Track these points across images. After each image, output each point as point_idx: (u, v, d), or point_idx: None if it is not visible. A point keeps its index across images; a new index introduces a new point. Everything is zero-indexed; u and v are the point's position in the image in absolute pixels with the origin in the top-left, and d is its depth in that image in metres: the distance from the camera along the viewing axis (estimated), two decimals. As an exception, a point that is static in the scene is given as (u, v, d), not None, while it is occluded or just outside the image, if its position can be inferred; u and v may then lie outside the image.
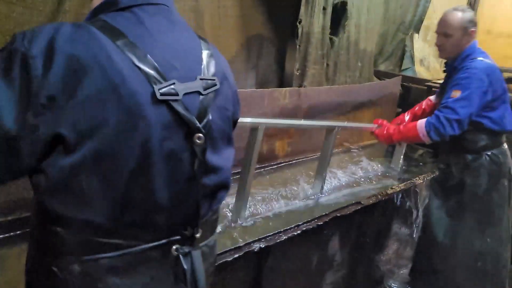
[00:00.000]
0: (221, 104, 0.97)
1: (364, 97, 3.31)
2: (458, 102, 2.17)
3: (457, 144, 2.32)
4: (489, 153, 2.30)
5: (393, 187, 2.53)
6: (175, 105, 0.85)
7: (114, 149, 0.80)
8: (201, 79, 0.91)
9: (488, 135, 2.29)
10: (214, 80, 0.94)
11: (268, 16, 2.85)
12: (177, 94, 0.85)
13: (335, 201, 2.56)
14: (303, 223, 1.95)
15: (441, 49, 2.35)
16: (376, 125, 2.59)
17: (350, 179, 2.74)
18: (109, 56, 0.79)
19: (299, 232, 1.91)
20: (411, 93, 3.78)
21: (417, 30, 4.32)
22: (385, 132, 2.48)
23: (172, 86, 0.85)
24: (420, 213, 2.66)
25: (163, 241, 0.91)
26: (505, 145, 2.37)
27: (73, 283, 0.85)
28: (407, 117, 2.74)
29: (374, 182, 2.86)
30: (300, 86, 2.94)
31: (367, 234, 2.49)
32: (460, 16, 2.23)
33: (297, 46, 2.82)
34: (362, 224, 2.42)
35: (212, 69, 0.96)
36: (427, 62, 4.89)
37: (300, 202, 2.30)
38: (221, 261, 1.61)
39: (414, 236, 2.75)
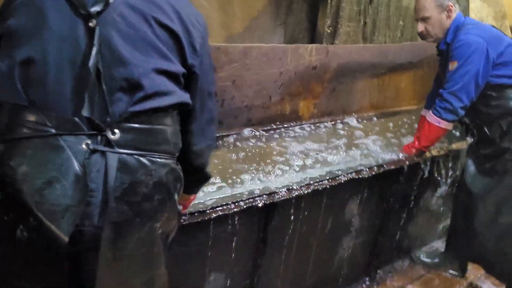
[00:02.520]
0: (139, 6, 1.01)
1: (403, 59, 3.08)
2: (456, 72, 2.07)
3: (488, 114, 2.16)
4: None
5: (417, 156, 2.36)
6: None
7: (12, 26, 0.96)
8: None
9: None
10: None
11: (298, -33, 2.70)
12: None
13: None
14: (314, 183, 1.87)
15: (425, 35, 2.25)
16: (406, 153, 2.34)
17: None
18: None
19: (309, 191, 1.84)
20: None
21: (473, -13, 3.92)
22: (416, 148, 2.27)
23: None
24: (449, 183, 2.48)
25: (75, 133, 0.95)
26: None
27: None
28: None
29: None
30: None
31: (391, 201, 2.36)
32: None
33: (329, 0, 2.65)
34: (385, 190, 2.29)
35: None
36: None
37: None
38: (220, 214, 1.58)
39: (445, 207, 2.58)
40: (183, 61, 1.08)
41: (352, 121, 2.85)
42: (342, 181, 1.97)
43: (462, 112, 2.10)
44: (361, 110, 3.00)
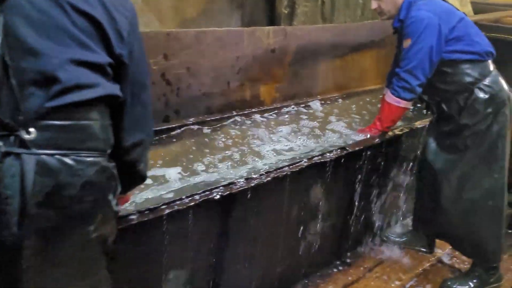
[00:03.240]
0: None
1: (365, 38, 3.04)
2: (410, 50, 2.03)
3: (445, 91, 2.12)
4: (480, 85, 2.06)
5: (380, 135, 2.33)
6: None
7: None
8: None
9: (470, 67, 2.07)
10: None
11: None
12: None
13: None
14: (274, 170, 1.81)
15: (380, 13, 2.23)
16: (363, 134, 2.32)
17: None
18: None
19: (269, 179, 1.77)
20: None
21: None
22: (376, 129, 2.25)
23: None
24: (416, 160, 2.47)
25: None
26: (495, 72, 2.12)
27: None
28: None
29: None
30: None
31: (357, 183, 2.33)
32: None
33: (284, -20, 2.57)
34: (350, 172, 2.25)
35: None
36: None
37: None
38: (173, 210, 1.50)
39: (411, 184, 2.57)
40: (109, 51, 0.98)
41: (316, 104, 2.80)
42: (304, 166, 1.92)
43: (419, 90, 2.07)
44: (325, 92, 2.94)
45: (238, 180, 1.68)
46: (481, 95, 2.05)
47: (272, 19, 2.77)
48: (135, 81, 1.05)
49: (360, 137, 2.27)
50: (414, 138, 2.54)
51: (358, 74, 3.13)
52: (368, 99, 3.06)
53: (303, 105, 2.75)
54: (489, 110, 2.06)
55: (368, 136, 2.25)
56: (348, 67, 3.03)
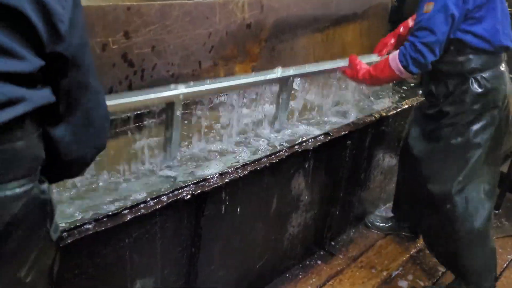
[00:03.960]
0: None
1: (347, 9, 2.83)
2: (433, 18, 1.73)
3: (437, 70, 1.87)
4: (478, 76, 1.82)
5: (365, 117, 2.17)
6: None
7: None
8: None
9: (476, 54, 1.81)
10: None
11: None
12: None
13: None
14: (250, 163, 1.63)
15: None
16: (347, 64, 2.09)
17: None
18: None
19: (245, 173, 1.59)
20: (405, 3, 3.26)
21: None
22: (356, 75, 2.03)
23: None
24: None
25: None
26: (502, 67, 1.88)
27: None
28: (392, 40, 2.21)
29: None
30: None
31: (340, 169, 2.17)
32: None
33: None
34: (333, 158, 2.09)
35: None
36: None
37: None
38: (137, 215, 1.31)
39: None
40: (39, 49, 0.73)
41: (297, 81, 2.61)
42: (285, 156, 1.75)
43: (430, 66, 1.81)
44: (306, 69, 2.74)
45: (211, 176, 1.50)
46: (474, 86, 1.82)
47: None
48: (73, 83, 0.81)
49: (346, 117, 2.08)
50: (402, 119, 2.39)
51: (341, 49, 2.94)
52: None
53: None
54: (476, 106, 1.84)
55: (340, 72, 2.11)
56: (330, 42, 2.83)
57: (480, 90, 1.82)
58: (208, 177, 1.48)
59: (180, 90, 1.73)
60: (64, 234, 1.17)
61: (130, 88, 1.90)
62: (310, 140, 1.85)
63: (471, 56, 1.81)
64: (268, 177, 1.74)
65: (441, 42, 1.76)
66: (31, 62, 0.72)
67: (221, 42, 2.15)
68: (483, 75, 1.82)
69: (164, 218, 1.40)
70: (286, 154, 1.75)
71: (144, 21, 1.85)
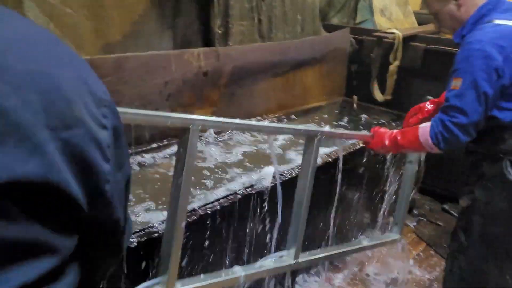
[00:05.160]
0: None
1: (305, 55, 2.96)
2: (463, 96, 1.54)
3: (468, 146, 1.71)
4: None
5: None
6: None
7: None
8: None
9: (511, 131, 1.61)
10: None
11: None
12: None
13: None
14: (201, 206, 1.65)
15: (443, 30, 1.96)
16: (371, 133, 1.91)
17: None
18: None
19: (195, 218, 1.62)
20: (364, 47, 3.43)
21: (373, -24, 3.92)
22: (380, 143, 1.82)
23: None
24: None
25: None
26: None
27: None
28: (430, 105, 1.97)
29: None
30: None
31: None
32: None
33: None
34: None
35: None
36: (388, 12, 4.49)
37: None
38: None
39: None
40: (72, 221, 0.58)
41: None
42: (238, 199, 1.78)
43: (464, 145, 1.65)
44: (268, 112, 2.84)
45: (158, 224, 1.52)
46: (509, 168, 1.61)
47: (207, 40, 2.64)
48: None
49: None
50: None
51: (302, 92, 3.05)
52: (316, 117, 2.98)
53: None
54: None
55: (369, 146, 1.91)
56: (290, 85, 2.94)
57: None
58: (154, 224, 1.50)
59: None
60: None
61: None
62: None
63: (505, 135, 1.61)
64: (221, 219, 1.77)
65: (476, 123, 1.57)
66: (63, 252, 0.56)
67: (178, 89, 2.23)
68: None
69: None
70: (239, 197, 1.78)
71: (99, 73, 1.89)
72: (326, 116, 3.05)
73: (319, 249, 1.98)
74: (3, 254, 0.49)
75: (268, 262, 1.69)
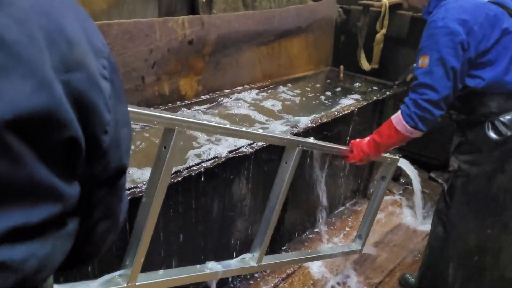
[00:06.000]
0: None
1: (291, 24, 2.97)
2: (431, 73, 1.57)
3: (451, 114, 1.75)
4: (494, 121, 1.63)
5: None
6: None
7: None
8: None
9: (491, 98, 1.63)
10: None
11: None
12: None
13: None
14: (184, 169, 1.71)
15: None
16: (349, 148, 1.91)
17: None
18: None
19: (179, 179, 1.68)
20: (351, 16, 3.44)
21: None
22: (361, 152, 1.84)
23: None
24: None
25: None
26: None
27: None
28: None
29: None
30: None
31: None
32: None
33: (199, -34, 2.45)
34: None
35: None
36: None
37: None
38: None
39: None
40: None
41: (244, 94, 2.73)
42: (221, 162, 1.84)
43: (439, 120, 1.64)
44: (254, 81, 2.87)
45: (139, 185, 1.57)
46: (492, 133, 1.64)
47: (193, 8, 2.64)
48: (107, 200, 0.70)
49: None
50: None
51: (288, 61, 3.08)
52: (301, 85, 3.02)
53: (231, 96, 2.66)
54: (494, 153, 1.66)
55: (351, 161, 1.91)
56: (276, 55, 2.97)
57: (498, 136, 1.64)
58: (138, 185, 1.56)
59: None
60: None
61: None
62: (245, 146, 1.94)
63: (484, 98, 1.64)
64: (204, 184, 1.83)
65: (446, 97, 1.60)
66: (68, 200, 0.58)
67: (163, 58, 2.26)
68: (502, 119, 1.63)
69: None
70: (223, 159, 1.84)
71: (83, 40, 1.94)
72: (311, 84, 3.08)
73: (282, 254, 2.10)
74: (6, 191, 0.50)
75: (233, 262, 1.71)
